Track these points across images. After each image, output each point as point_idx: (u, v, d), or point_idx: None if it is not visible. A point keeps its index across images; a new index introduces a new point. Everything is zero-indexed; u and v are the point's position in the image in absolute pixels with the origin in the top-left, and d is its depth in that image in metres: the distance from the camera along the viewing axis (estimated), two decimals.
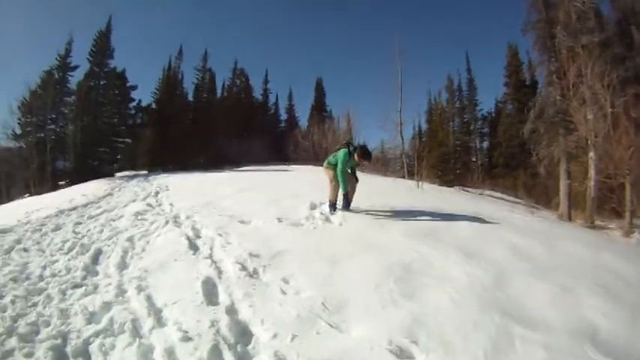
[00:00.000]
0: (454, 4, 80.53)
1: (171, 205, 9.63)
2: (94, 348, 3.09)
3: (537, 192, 23.10)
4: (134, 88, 33.59)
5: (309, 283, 4.07)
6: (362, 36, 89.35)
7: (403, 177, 21.05)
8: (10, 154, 30.44)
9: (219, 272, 4.51)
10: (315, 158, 29.30)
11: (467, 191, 21.03)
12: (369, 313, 3.46)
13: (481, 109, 43.72)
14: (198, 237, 6.17)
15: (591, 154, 14.83)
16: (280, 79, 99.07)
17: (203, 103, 40.35)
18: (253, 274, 4.40)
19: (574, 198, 17.73)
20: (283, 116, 51.94)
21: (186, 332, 3.18)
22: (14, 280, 4.61)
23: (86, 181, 20.51)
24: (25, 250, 6.08)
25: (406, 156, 24.53)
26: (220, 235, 6.02)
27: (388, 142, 33.99)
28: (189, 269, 4.66)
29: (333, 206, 7.29)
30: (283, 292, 3.89)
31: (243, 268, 4.53)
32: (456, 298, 3.68)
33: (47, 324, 3.47)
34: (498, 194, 21.80)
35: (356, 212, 7.19)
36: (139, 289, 4.20)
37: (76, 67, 31.19)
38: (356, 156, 7.29)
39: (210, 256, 5.11)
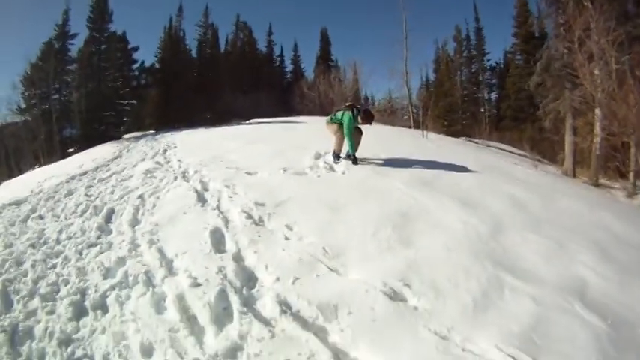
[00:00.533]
0: None
1: (179, 161, 9.76)
2: (110, 300, 3.31)
3: (544, 146, 22.55)
4: (136, 49, 33.04)
5: (311, 229, 4.26)
6: None
7: (410, 127, 20.90)
8: (16, 128, 30.69)
9: (226, 222, 4.71)
10: (321, 109, 29.26)
11: (473, 142, 20.88)
12: (366, 258, 3.63)
13: (489, 60, 42.53)
14: (206, 190, 6.34)
15: (597, 110, 14.49)
16: (284, 31, 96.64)
17: (207, 59, 39.72)
18: (258, 222, 4.60)
19: (579, 155, 17.59)
20: (289, 67, 51.06)
21: (195, 279, 3.39)
22: (33, 245, 4.83)
23: (94, 146, 20.74)
24: (41, 217, 6.30)
25: (413, 106, 24.31)
26: (227, 187, 6.17)
27: (395, 92, 33.33)
28: (197, 221, 4.86)
29: (337, 156, 7.41)
30: (287, 238, 4.09)
31: (249, 216, 4.73)
32: (450, 246, 3.84)
33: (66, 282, 3.71)
34: (504, 147, 21.59)
35: (359, 161, 7.31)
36: (151, 242, 4.42)
37: (75, 35, 30.70)
38: (359, 119, 7.36)
39: (218, 208, 5.30)
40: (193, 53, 39.66)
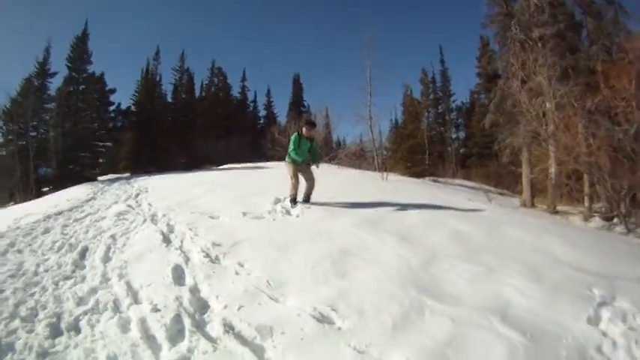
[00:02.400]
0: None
1: (149, 205, 10.41)
2: (83, 323, 3.86)
3: (508, 180, 23.42)
4: (113, 91, 33.76)
5: (259, 266, 4.85)
6: (338, 32, 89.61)
7: (375, 170, 21.68)
8: None
9: (187, 260, 5.32)
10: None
11: (436, 181, 21.56)
12: (303, 289, 4.16)
13: (455, 100, 44.48)
14: (172, 232, 6.98)
15: (550, 142, 14.84)
16: (258, 77, 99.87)
17: (182, 104, 40.40)
18: (215, 260, 5.23)
19: (540, 184, 18.00)
20: (262, 113, 52.59)
21: (156, 305, 3.98)
22: (12, 276, 5.36)
23: (69, 186, 20.93)
24: (19, 251, 6.80)
25: (378, 149, 25.17)
26: (190, 229, 6.82)
27: (365, 136, 34.29)
28: (162, 258, 5.46)
29: (293, 200, 8.00)
30: (237, 273, 4.68)
31: (207, 255, 5.37)
32: (381, 277, 4.29)
33: (44, 307, 4.26)
34: (468, 183, 22.32)
35: (315, 204, 7.94)
36: (120, 276, 5.01)
37: (55, 74, 31.42)
38: (304, 130, 8.05)
39: (180, 247, 5.92)
40: (169, 97, 40.44)
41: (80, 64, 31.43)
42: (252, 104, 51.97)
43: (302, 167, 8.12)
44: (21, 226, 8.99)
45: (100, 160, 33.95)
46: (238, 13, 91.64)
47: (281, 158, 26.85)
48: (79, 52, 31.46)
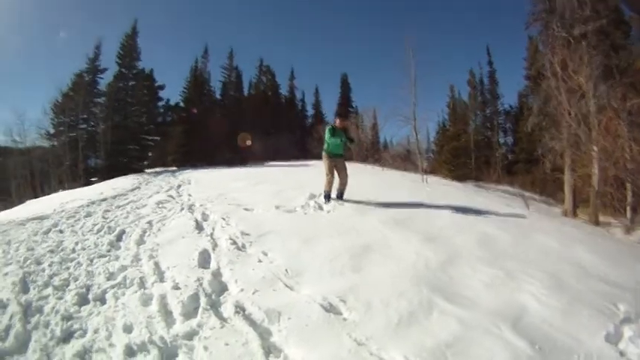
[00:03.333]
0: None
1: (189, 195, 10.78)
2: (109, 295, 4.09)
3: (552, 188, 21.99)
4: (162, 87, 35.13)
5: (281, 255, 4.97)
6: (386, 33, 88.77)
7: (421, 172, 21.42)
8: (44, 152, 32.69)
9: (215, 246, 5.51)
10: None
11: (478, 186, 21.13)
12: (318, 279, 4.23)
13: (503, 103, 42.99)
14: (205, 220, 7.24)
15: (594, 147, 13.94)
16: (307, 76, 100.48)
17: (230, 101, 41.43)
18: (241, 248, 5.39)
19: (583, 193, 16.67)
20: (310, 112, 52.48)
21: (177, 284, 4.19)
22: (52, 251, 5.74)
23: (117, 176, 21.91)
24: (61, 231, 7.24)
25: (422, 151, 24.87)
26: (223, 219, 7.07)
27: (411, 138, 34.01)
28: (192, 244, 5.68)
29: (327, 197, 8.06)
30: (260, 261, 4.82)
31: (234, 243, 5.55)
32: (396, 273, 4.27)
33: (76, 279, 4.55)
34: (512, 189, 21.66)
35: (349, 202, 7.99)
36: (150, 257, 5.27)
37: (105, 70, 33.03)
38: (337, 122, 8.14)
39: (211, 235, 6.12)
40: (217, 94, 41.34)
41: (129, 61, 32.91)
42: (300, 103, 52.00)
43: (338, 162, 8.18)
44: (66, 210, 9.51)
45: (150, 154, 35.20)
46: (286, 14, 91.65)
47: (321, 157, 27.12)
48: (129, 50, 32.95)
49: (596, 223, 13.58)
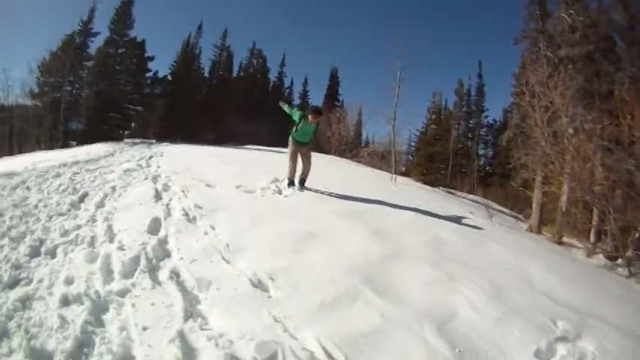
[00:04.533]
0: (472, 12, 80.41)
1: (158, 167, 11.01)
2: (59, 250, 4.44)
3: (523, 203, 22.09)
4: (151, 59, 35.11)
5: (227, 231, 5.22)
6: (381, 30, 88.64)
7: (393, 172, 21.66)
8: (25, 110, 32.39)
9: (167, 215, 5.82)
10: (316, 145, 30.06)
11: (447, 192, 21.14)
12: (255, 256, 4.42)
13: (487, 117, 43.91)
14: (165, 191, 7.52)
15: (565, 167, 13.34)
16: (297, 65, 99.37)
17: (218, 80, 41.37)
18: (191, 220, 5.68)
19: (552, 212, 16.90)
20: (297, 102, 51.57)
21: (123, 246, 4.54)
22: (15, 206, 6.15)
23: (95, 143, 22.00)
24: (28, 188, 7.63)
25: (397, 151, 25.15)
26: (182, 191, 7.31)
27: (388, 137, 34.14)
28: (147, 211, 5.98)
29: (291, 183, 8.21)
30: (205, 234, 5.12)
31: (186, 214, 5.86)
32: (333, 260, 4.41)
33: (32, 233, 4.93)
34: (482, 200, 21.89)
35: (310, 190, 8.17)
36: (105, 220, 5.60)
37: (97, 34, 33.14)
38: (310, 117, 8.01)
39: (167, 205, 6.43)
40: (206, 72, 41.28)
41: (122, 28, 32.98)
42: (287, 90, 51.81)
43: (303, 149, 8.28)
44: (37, 169, 9.87)
45: (133, 124, 35.25)
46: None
47: None
48: (122, 16, 32.98)
49: (560, 242, 13.77)
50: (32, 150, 24.33)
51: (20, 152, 24.02)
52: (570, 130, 13.90)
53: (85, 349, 2.72)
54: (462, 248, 5.49)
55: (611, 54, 17.58)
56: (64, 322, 2.99)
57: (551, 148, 13.68)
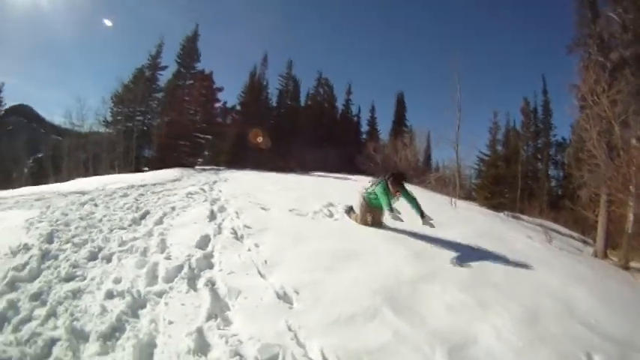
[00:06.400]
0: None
1: (220, 191, 11.53)
2: (115, 257, 4.93)
3: (593, 227, 20.94)
4: (220, 89, 36.68)
5: (269, 249, 5.50)
6: (443, 55, 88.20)
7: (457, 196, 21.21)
8: (100, 137, 35.60)
9: (217, 233, 6.21)
10: (383, 171, 29.80)
11: (513, 217, 20.66)
12: (288, 271, 4.67)
13: (555, 135, 40.99)
14: (221, 212, 7.93)
15: (631, 185, 12.48)
16: (364, 92, 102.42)
17: (286, 109, 42.43)
18: (238, 238, 6.04)
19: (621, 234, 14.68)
20: (365, 128, 51.97)
21: (170, 256, 4.96)
22: (81, 218, 6.86)
23: (165, 168, 23.19)
24: (96, 205, 8.34)
25: (459, 175, 24.62)
26: (237, 213, 7.74)
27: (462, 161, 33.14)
28: (200, 229, 6.38)
29: (348, 211, 8.00)
30: (249, 250, 5.41)
31: (234, 232, 6.24)
32: (362, 278, 4.51)
33: (92, 241, 5.49)
34: (547, 224, 20.83)
35: None
36: (161, 234, 6.06)
37: (165, 67, 35.48)
38: (390, 186, 6.89)
39: (219, 224, 6.81)
40: (274, 102, 42.26)
41: (189, 62, 35.03)
42: (355, 117, 51.66)
43: (375, 213, 7.42)
44: (106, 189, 10.69)
45: (205, 152, 36.86)
46: (348, 29, 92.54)
47: (367, 173, 27.25)
48: (189, 51, 35.06)
49: (626, 267, 12.25)
50: (106, 173, 25.92)
51: (95, 175, 25.58)
52: (633, 141, 12.97)
53: (117, 334, 3.11)
54: (503, 272, 5.32)
55: None
56: (104, 310, 3.41)
57: (605, 161, 13.05)
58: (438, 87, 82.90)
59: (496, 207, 24.09)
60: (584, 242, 17.63)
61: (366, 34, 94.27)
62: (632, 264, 12.80)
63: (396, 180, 6.91)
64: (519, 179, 36.25)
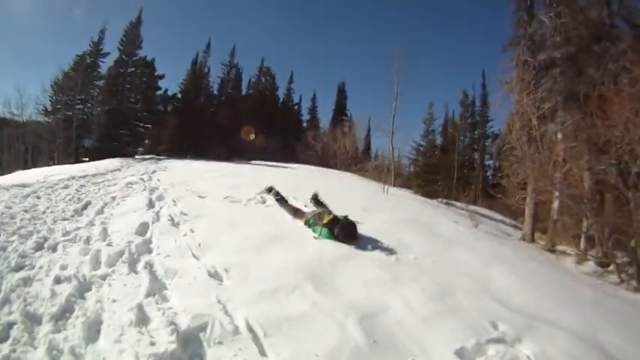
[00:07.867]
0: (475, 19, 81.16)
1: (158, 180, 11.98)
2: (59, 246, 5.36)
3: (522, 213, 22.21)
4: (161, 77, 36.22)
5: (204, 234, 5.99)
6: (384, 45, 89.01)
7: (391, 184, 21.81)
8: (38, 127, 34.44)
9: (155, 220, 6.71)
10: (321, 160, 31.10)
11: (445, 204, 21.50)
12: (220, 254, 5.04)
13: (491, 127, 41.85)
14: (159, 200, 8.42)
15: (557, 173, 13.06)
16: (305, 81, 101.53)
17: (227, 98, 42.10)
18: (175, 224, 6.54)
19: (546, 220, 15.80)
20: (306, 117, 52.89)
21: (112, 243, 5.45)
22: (25, 211, 7.22)
23: (106, 158, 23.15)
24: (38, 197, 8.68)
25: (393, 163, 25.26)
26: (174, 201, 8.26)
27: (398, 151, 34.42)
28: (139, 217, 6.86)
29: (269, 190, 8.34)
30: (184, 235, 5.86)
31: (171, 219, 6.76)
32: (287, 260, 4.87)
33: (38, 232, 5.91)
34: (476, 209, 21.86)
35: (295, 200, 8.52)
36: (102, 223, 6.53)
37: (107, 54, 34.90)
38: (339, 236, 5.92)
39: (157, 212, 7.32)
40: (215, 90, 41.96)
41: (131, 49, 34.40)
42: (296, 106, 52.49)
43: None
44: (47, 181, 11.00)
45: (145, 141, 36.42)
46: (291, 17, 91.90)
47: (307, 162, 27.72)
48: (132, 38, 34.46)
49: (552, 250, 13.52)
50: (45, 165, 25.53)
51: (34, 166, 25.14)
52: (559, 135, 14.10)
53: (67, 314, 3.56)
54: (424, 253, 5.72)
55: (593, 53, 17.00)
56: (54, 294, 3.86)
57: (526, 153, 14.08)
58: (381, 76, 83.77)
59: (430, 194, 25.27)
60: (515, 227, 18.70)
61: (311, 22, 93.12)
62: (560, 247, 13.88)
63: (350, 235, 5.97)
64: (455, 168, 37.96)
